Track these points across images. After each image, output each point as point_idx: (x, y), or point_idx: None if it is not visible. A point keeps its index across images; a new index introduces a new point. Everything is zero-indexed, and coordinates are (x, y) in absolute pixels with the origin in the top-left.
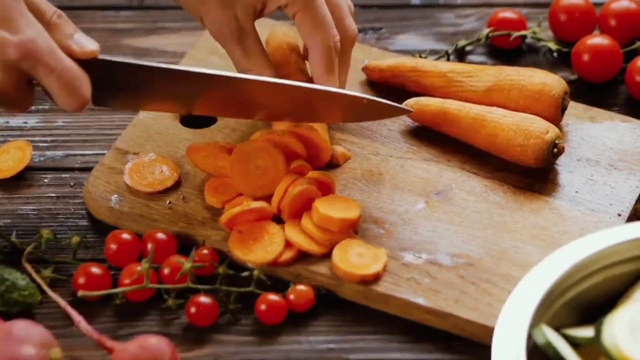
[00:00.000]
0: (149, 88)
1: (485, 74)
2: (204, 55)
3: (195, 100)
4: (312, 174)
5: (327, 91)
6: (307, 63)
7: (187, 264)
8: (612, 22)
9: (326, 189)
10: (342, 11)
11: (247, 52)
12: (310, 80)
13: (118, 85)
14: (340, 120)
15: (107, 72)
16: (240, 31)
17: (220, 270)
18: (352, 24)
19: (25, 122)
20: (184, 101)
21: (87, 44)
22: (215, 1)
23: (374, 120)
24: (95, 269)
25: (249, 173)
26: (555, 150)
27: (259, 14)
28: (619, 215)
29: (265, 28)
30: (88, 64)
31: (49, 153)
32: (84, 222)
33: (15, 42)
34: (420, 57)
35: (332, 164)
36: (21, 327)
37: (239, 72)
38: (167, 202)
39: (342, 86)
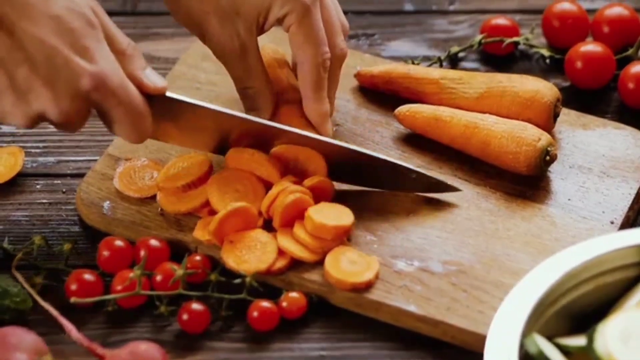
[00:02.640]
0: (201, 128)
1: (477, 80)
2: (196, 61)
3: (234, 142)
4: (311, 180)
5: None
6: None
7: (179, 271)
8: (605, 29)
9: (323, 194)
10: (335, 29)
11: (249, 70)
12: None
13: (173, 121)
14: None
15: (166, 108)
16: (243, 48)
17: (213, 277)
18: (342, 43)
19: (18, 128)
20: (225, 143)
21: (158, 80)
22: (217, 18)
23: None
24: (87, 276)
25: (227, 194)
26: (548, 157)
27: (261, 29)
28: (612, 222)
29: None
30: (151, 99)
31: (41, 159)
32: (76, 229)
33: (89, 72)
34: (413, 63)
35: None
36: (14, 333)
37: (238, 89)
38: (159, 208)
39: (331, 103)
